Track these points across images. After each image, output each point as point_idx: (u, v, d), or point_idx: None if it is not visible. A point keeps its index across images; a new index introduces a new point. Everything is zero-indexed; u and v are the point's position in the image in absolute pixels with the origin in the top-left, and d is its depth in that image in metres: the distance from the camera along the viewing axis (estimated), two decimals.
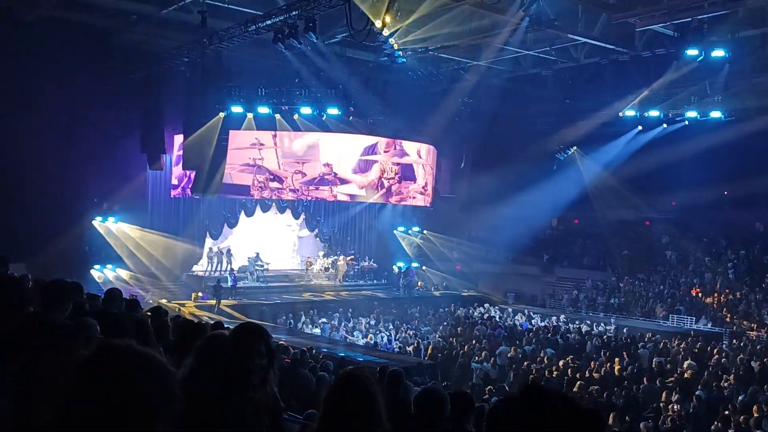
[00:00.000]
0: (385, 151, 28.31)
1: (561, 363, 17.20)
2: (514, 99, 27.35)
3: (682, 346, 19.75)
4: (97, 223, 23.61)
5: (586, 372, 16.37)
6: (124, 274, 23.84)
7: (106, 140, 21.99)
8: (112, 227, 24.01)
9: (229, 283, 24.51)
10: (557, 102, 27.88)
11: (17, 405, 4.43)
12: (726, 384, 14.73)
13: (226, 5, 18.58)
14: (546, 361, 17.74)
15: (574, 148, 29.37)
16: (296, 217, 29.73)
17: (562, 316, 25.05)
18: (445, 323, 23.87)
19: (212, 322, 10.27)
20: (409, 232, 32.18)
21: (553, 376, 16.07)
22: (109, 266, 23.40)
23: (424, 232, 32.23)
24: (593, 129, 27.30)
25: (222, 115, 23.79)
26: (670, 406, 13.14)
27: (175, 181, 25.82)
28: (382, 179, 28.35)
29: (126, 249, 24.13)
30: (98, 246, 23.55)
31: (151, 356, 1.64)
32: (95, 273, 22.74)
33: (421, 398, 3.96)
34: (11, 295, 5.08)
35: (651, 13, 18.28)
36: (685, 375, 15.93)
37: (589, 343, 20.42)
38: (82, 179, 21.55)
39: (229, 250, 27.39)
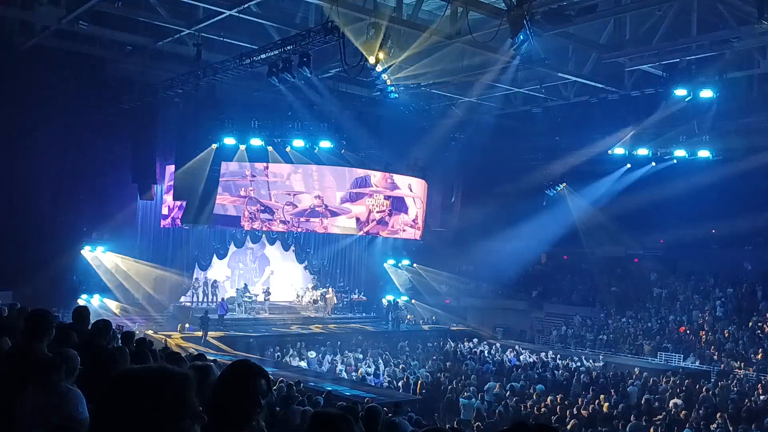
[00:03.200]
0: (377, 185, 28.44)
1: (549, 399, 17.16)
2: (504, 135, 27.64)
3: (669, 383, 19.74)
4: (85, 252, 23.49)
5: (574, 409, 16.33)
6: (111, 304, 23.62)
7: (97, 169, 21.98)
8: (100, 257, 23.87)
9: (218, 313, 24.39)
10: (547, 138, 28.18)
11: None
12: (715, 424, 14.71)
13: (221, 38, 18.83)
14: (535, 397, 17.70)
15: (563, 184, 29.63)
16: (286, 249, 29.69)
17: (550, 352, 24.99)
18: (434, 357, 23.76)
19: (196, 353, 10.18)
20: (399, 265, 32.17)
21: (542, 412, 16.02)
22: (96, 296, 23.19)
23: (414, 265, 32.23)
24: (582, 166, 27.53)
25: (215, 146, 23.89)
26: None
27: (165, 211, 25.79)
28: (373, 212, 28.43)
29: (114, 279, 23.96)
30: (86, 275, 23.38)
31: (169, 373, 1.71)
32: (82, 303, 22.53)
33: None
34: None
35: (640, 53, 18.62)
36: (678, 414, 15.90)
37: (577, 380, 20.39)
38: (72, 207, 21.51)
39: (215, 282, 27.30)
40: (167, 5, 17.64)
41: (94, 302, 23.00)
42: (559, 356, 24.33)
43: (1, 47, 18.67)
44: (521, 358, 24.37)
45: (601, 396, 17.62)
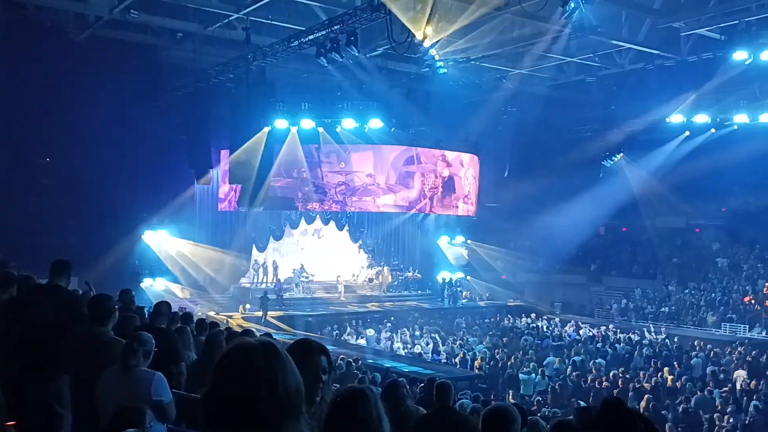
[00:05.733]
0: (428, 162, 28.33)
1: (611, 374, 16.93)
2: (558, 106, 27.12)
3: (735, 354, 19.24)
4: (147, 236, 24.18)
5: (636, 383, 16.08)
6: (173, 286, 24.32)
7: (154, 155, 22.48)
8: (161, 240, 24.54)
9: (276, 293, 24.86)
10: (602, 108, 27.54)
11: (79, 417, 4.60)
12: None
13: (269, 21, 18.95)
14: (596, 372, 17.48)
15: (620, 154, 28.93)
16: (340, 229, 29.92)
17: (611, 326, 24.62)
18: (491, 333, 23.70)
19: (260, 334, 10.39)
20: (453, 242, 32.07)
21: (603, 387, 15.83)
22: (158, 279, 23.90)
23: (468, 241, 32.09)
24: (639, 135, 26.83)
25: (267, 129, 24.15)
26: (725, 418, 12.82)
27: (222, 195, 26.33)
28: (425, 189, 28.36)
29: (175, 262, 24.62)
30: (148, 259, 24.08)
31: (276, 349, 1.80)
32: (145, 286, 23.26)
33: (490, 416, 3.94)
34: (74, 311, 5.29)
35: (696, 17, 17.96)
36: (747, 385, 15.51)
37: (639, 353, 20.06)
38: (133, 194, 22.10)
39: (274, 262, 27.77)
40: None
41: (158, 285, 23.73)
42: (619, 330, 23.94)
43: (58, 39, 19.14)
44: (581, 332, 24.07)
45: (665, 369, 17.30)
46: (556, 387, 16.41)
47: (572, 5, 14.51)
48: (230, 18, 18.69)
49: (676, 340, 22.09)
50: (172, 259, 24.57)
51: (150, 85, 21.67)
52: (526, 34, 19.77)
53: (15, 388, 4.89)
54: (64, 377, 4.92)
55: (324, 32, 17.37)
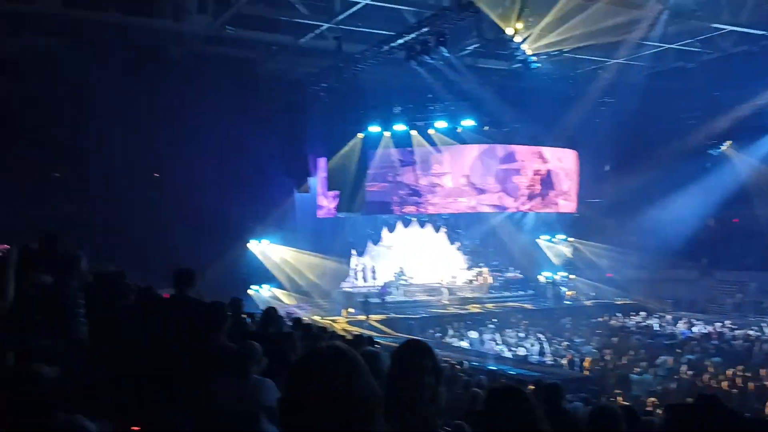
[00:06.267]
0: (523, 159, 27.86)
1: (729, 372, 16.06)
2: (658, 95, 25.96)
3: None
4: (251, 245, 25.02)
5: (757, 381, 15.19)
6: (278, 292, 25.03)
7: (255, 166, 23.19)
8: (265, 249, 25.31)
9: (379, 297, 25.12)
10: (705, 95, 26.16)
11: (197, 425, 4.79)
12: None
13: (359, 29, 19.21)
14: (712, 370, 16.64)
15: (728, 142, 27.41)
16: (437, 231, 29.89)
17: (726, 322, 23.34)
18: (599, 333, 22.98)
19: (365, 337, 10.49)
20: (554, 240, 31.34)
21: (722, 386, 15.03)
22: (264, 286, 24.67)
23: (570, 239, 31.25)
24: (747, 121, 25.35)
25: (360, 135, 24.52)
26: None
27: (320, 202, 26.90)
28: (522, 187, 27.90)
29: (279, 269, 25.33)
30: (254, 267, 24.86)
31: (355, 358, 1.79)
32: (252, 293, 24.06)
33: (597, 416, 3.88)
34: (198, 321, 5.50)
35: None
36: None
37: (758, 350, 18.94)
38: (237, 205, 22.84)
39: (373, 267, 28.09)
40: (306, 1, 18.26)
41: (264, 292, 24.48)
42: (735, 325, 22.66)
43: (158, 57, 20.09)
44: (694, 329, 22.94)
45: None
46: (670, 387, 15.73)
47: None
48: (321, 28, 19.07)
49: None
50: (277, 266, 25.27)
51: (248, 98, 22.38)
52: (621, 23, 19.07)
53: (141, 395, 5.14)
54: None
55: (413, 35, 17.46)
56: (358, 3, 17.10)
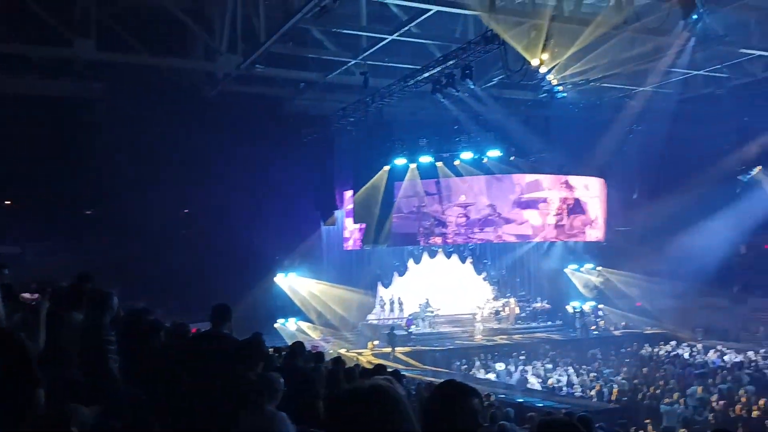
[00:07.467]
0: (549, 188, 27.75)
1: (761, 402, 15.66)
2: (687, 122, 25.75)
3: None
4: (279, 278, 25.12)
5: None
6: (305, 325, 25.04)
7: (284, 200, 23.42)
8: (292, 282, 25.42)
9: (405, 331, 24.99)
10: (735, 121, 25.93)
11: None
12: None
13: (385, 64, 19.44)
14: (744, 400, 16.23)
15: (758, 167, 27.04)
16: (463, 262, 29.76)
17: (761, 351, 22.80)
18: (627, 362, 22.57)
19: (390, 370, 10.43)
20: (582, 269, 30.99)
21: (754, 416, 14.67)
22: (291, 319, 24.71)
23: (598, 268, 30.88)
24: None
25: (387, 168, 24.66)
26: None
27: (347, 234, 27.00)
28: (549, 216, 27.74)
29: (306, 302, 25.38)
30: (281, 300, 24.96)
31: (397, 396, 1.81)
32: (278, 326, 24.11)
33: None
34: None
35: None
36: None
37: None
38: (265, 239, 23.01)
39: (399, 298, 28.04)
40: (333, 39, 18.55)
41: (290, 325, 24.52)
42: None
43: (191, 97, 20.52)
44: (726, 358, 22.45)
45: None
46: (701, 418, 15.36)
47: (695, 17, 13.90)
48: (348, 64, 19.33)
49: None
50: (303, 299, 25.34)
51: (276, 134, 22.69)
52: (647, 51, 19.05)
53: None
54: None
55: (439, 68, 17.60)
56: (385, 39, 17.32)
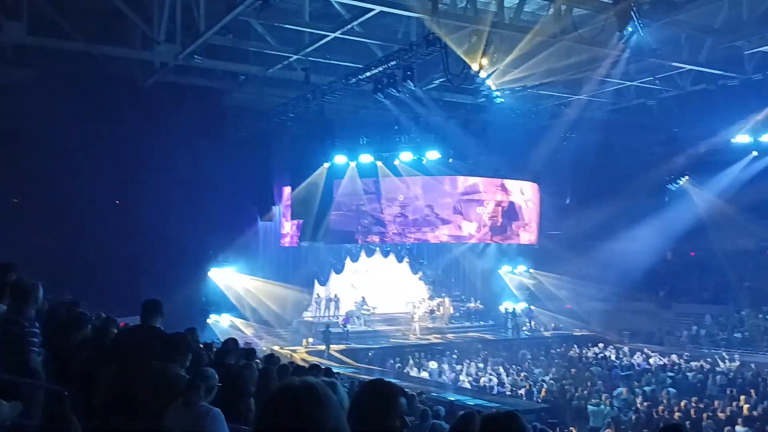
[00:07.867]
0: (486, 191, 28.24)
1: (683, 403, 16.38)
2: (619, 131, 26.62)
3: None
4: (212, 273, 24.75)
5: (711, 412, 15.50)
6: (238, 322, 24.75)
7: (220, 195, 23.09)
8: (227, 277, 25.08)
9: (342, 329, 25.00)
10: (664, 132, 26.91)
11: None
12: None
13: (327, 61, 19.40)
14: (667, 402, 16.93)
15: (686, 177, 28.21)
16: (399, 261, 29.99)
17: (683, 354, 23.81)
18: (557, 364, 23.19)
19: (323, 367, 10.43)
20: (515, 271, 31.68)
21: (675, 417, 15.31)
22: (225, 315, 24.37)
23: (531, 270, 31.63)
24: (705, 157, 26.06)
25: (326, 165, 24.61)
26: None
27: (284, 231, 26.82)
28: (484, 219, 28.23)
29: (240, 298, 25.09)
30: (214, 296, 24.59)
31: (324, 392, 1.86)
32: (211, 322, 23.74)
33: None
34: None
35: (760, 34, 17.50)
36: None
37: (712, 382, 19.33)
38: (200, 233, 22.66)
39: (335, 296, 28.03)
40: (275, 33, 18.37)
41: (223, 321, 24.18)
42: (691, 358, 23.13)
43: (126, 86, 20.00)
44: (651, 361, 23.37)
45: (741, 397, 16.64)
46: (626, 418, 15.95)
47: (630, 29, 14.38)
48: (290, 59, 19.19)
49: (753, 366, 21.22)
50: (237, 295, 25.03)
51: (214, 127, 22.35)
52: (583, 60, 19.58)
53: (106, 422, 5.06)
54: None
55: (381, 69, 17.66)
56: (327, 36, 17.28)
